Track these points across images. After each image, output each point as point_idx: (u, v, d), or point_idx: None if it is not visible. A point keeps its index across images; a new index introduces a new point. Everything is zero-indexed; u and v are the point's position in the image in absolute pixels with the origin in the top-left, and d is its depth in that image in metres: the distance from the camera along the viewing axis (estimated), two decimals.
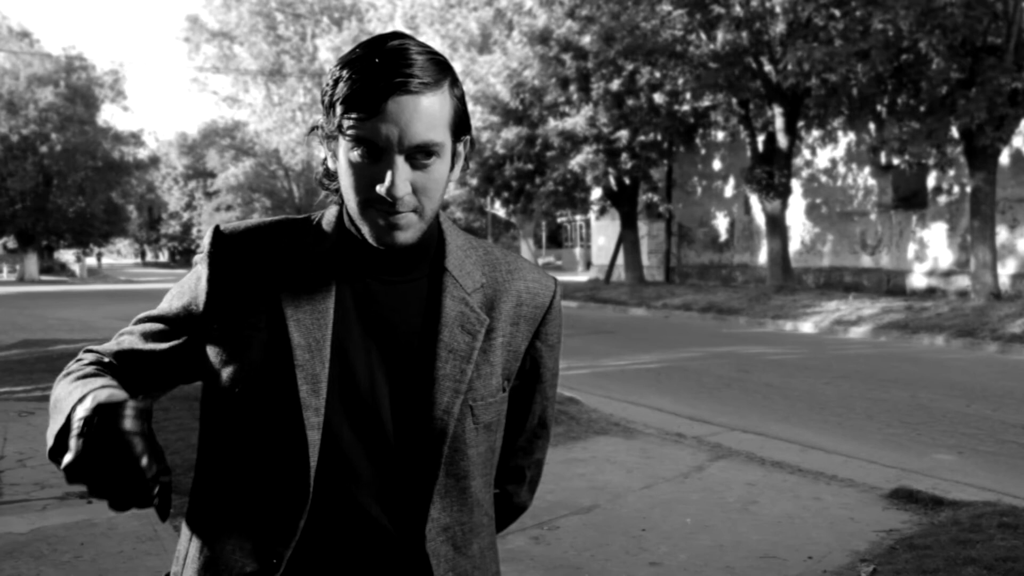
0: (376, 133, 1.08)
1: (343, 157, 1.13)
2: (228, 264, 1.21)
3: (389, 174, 1.09)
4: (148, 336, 1.27)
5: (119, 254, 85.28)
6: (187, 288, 1.26)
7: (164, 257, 75.30)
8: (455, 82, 1.15)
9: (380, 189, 1.10)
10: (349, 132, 1.10)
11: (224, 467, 1.22)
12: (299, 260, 1.20)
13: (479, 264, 1.26)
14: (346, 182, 1.14)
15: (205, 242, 1.24)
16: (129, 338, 1.28)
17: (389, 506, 1.19)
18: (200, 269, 1.24)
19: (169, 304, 1.27)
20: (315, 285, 1.18)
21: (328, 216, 1.24)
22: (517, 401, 1.33)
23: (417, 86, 1.08)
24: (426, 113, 1.09)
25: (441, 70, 1.12)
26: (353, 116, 1.09)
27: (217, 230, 1.24)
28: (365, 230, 1.15)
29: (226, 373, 1.19)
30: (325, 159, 1.22)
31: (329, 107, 1.12)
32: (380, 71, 1.08)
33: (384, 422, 1.18)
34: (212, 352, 1.21)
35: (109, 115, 64.48)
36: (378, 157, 1.10)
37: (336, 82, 1.11)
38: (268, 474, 1.17)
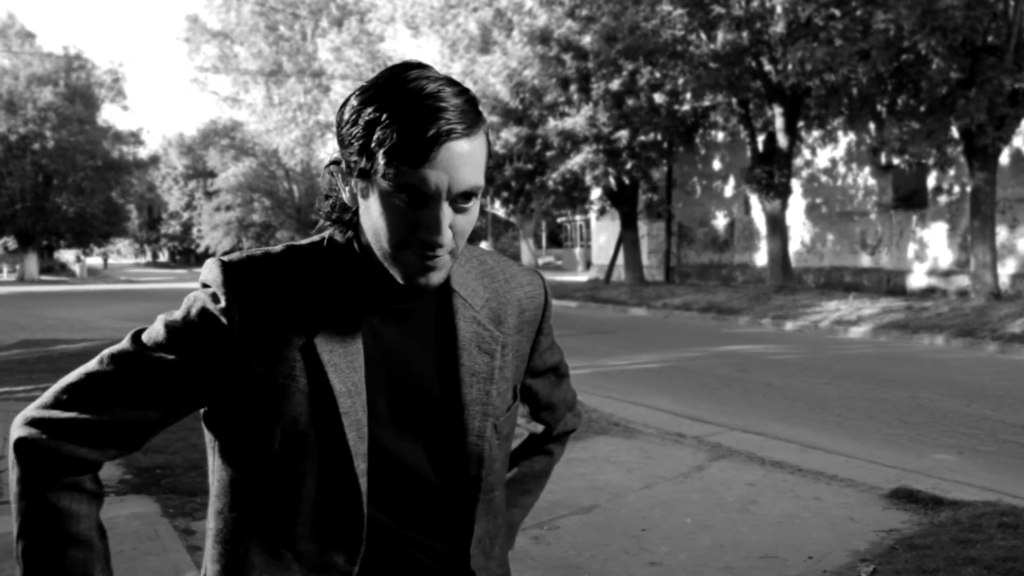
0: (425, 182, 1.06)
1: (378, 200, 1.09)
2: (247, 303, 1.12)
3: (437, 222, 1.08)
4: (129, 391, 1.13)
5: (119, 254, 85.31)
6: (191, 328, 1.13)
7: (164, 257, 75.31)
8: (484, 119, 1.13)
9: (426, 236, 1.08)
10: (395, 180, 1.06)
11: (262, 509, 1.17)
12: (322, 297, 1.15)
13: (479, 278, 1.26)
14: (379, 223, 1.10)
15: (211, 278, 1.14)
16: (130, 396, 1.14)
17: (438, 535, 1.21)
18: (204, 308, 1.13)
19: (168, 342, 1.13)
20: (343, 324, 1.15)
21: (335, 245, 1.19)
22: (543, 388, 1.40)
23: (463, 132, 1.07)
24: (471, 158, 1.08)
25: (477, 110, 1.10)
26: (401, 166, 1.05)
27: (225, 265, 1.14)
28: (396, 270, 1.12)
29: (261, 426, 1.13)
30: (332, 190, 1.18)
31: (363, 151, 1.08)
32: (425, 118, 1.05)
33: (420, 454, 1.19)
34: (237, 404, 1.14)
35: (109, 115, 64.46)
36: (422, 203, 1.07)
37: (370, 125, 1.07)
38: (318, 520, 1.16)
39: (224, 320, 1.12)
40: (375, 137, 1.06)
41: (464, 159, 1.07)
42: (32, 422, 1.14)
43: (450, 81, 1.09)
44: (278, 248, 1.20)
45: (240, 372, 1.12)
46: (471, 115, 1.08)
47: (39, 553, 1.12)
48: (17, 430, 1.15)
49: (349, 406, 1.13)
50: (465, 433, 1.20)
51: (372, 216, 1.11)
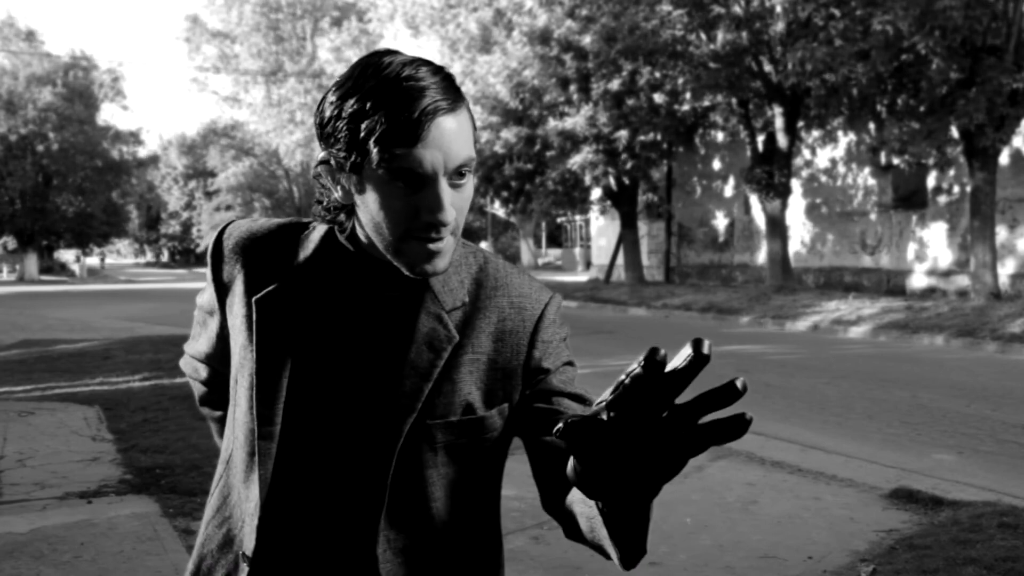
0: (420, 162, 1.06)
1: (375, 192, 1.09)
2: (224, 268, 1.25)
3: (439, 200, 1.07)
4: (208, 328, 1.37)
5: (119, 254, 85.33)
6: (208, 284, 1.35)
7: (164, 257, 75.28)
8: (464, 96, 1.13)
9: (429, 217, 1.08)
10: (391, 166, 1.06)
11: (224, 456, 1.28)
12: (279, 270, 1.21)
13: (467, 282, 1.22)
14: (379, 217, 1.10)
15: (210, 241, 1.29)
16: (201, 341, 1.40)
17: (341, 523, 1.18)
18: (207, 272, 1.31)
19: (202, 297, 1.37)
20: (288, 296, 1.19)
21: (319, 229, 1.23)
22: (552, 409, 1.22)
23: (449, 107, 1.07)
24: (460, 131, 1.08)
25: (456, 86, 1.10)
26: (395, 150, 1.05)
27: (220, 233, 1.27)
28: (400, 261, 1.12)
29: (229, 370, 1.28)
30: (323, 190, 1.18)
31: (352, 145, 1.08)
32: (410, 98, 1.05)
33: (341, 439, 1.17)
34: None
35: (109, 115, 64.52)
36: (421, 185, 1.07)
37: (356, 117, 1.06)
38: (242, 475, 1.21)
39: (212, 282, 1.27)
40: (363, 127, 1.06)
41: (454, 134, 1.07)
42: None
43: (424, 61, 1.10)
44: (280, 221, 1.28)
45: (225, 326, 1.28)
46: (452, 91, 1.08)
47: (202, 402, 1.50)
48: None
49: (265, 367, 1.17)
50: (384, 426, 1.15)
51: (371, 210, 1.11)
